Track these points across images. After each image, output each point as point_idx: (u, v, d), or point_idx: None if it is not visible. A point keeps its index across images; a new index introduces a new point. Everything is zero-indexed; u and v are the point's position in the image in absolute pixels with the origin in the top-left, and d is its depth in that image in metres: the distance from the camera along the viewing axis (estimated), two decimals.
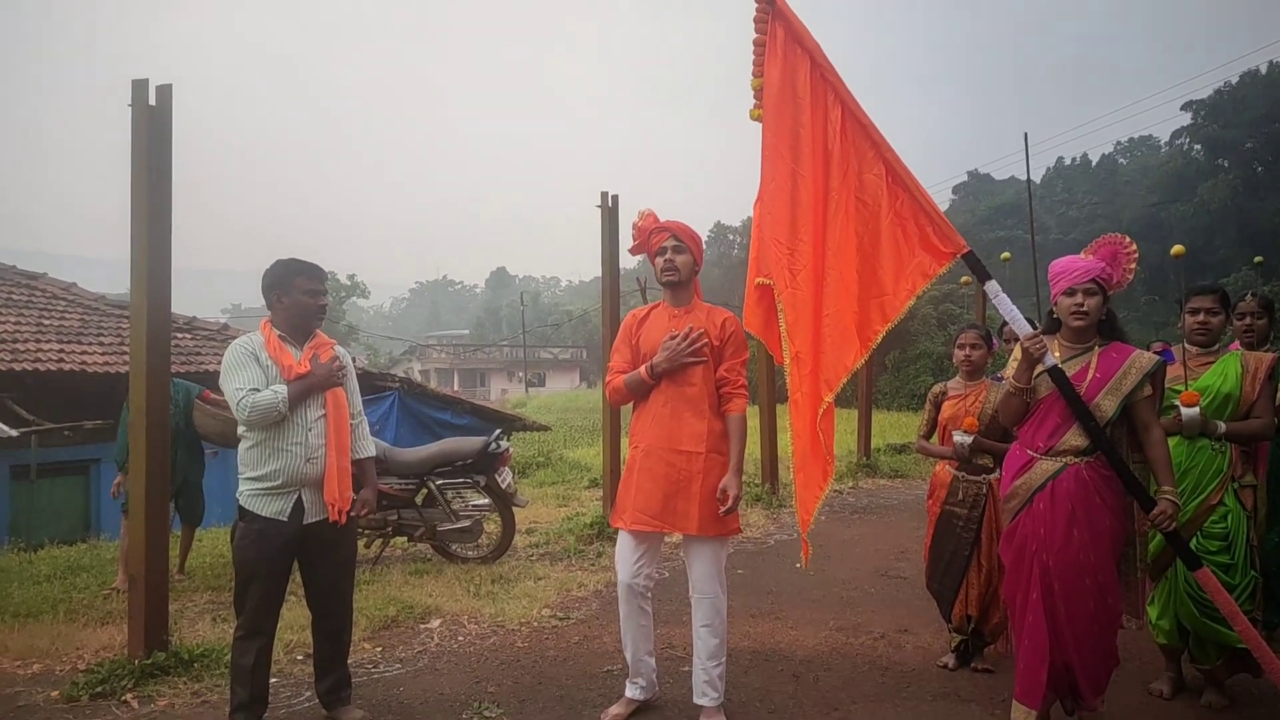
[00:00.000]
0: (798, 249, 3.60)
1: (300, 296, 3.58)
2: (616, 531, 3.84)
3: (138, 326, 4.38)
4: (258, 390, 3.42)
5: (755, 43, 3.75)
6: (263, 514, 3.46)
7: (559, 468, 15.62)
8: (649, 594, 3.83)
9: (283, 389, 3.44)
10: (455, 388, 53.47)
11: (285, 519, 3.46)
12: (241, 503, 3.50)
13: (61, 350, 11.45)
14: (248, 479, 3.49)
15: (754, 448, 10.57)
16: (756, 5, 3.71)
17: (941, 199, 66.56)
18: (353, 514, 3.59)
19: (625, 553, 3.78)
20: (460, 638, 5.02)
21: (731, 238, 62.17)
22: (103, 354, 11.83)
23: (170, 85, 4.33)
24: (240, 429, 3.52)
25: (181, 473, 6.25)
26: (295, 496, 3.49)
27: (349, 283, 59.03)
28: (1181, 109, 53.48)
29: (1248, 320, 4.48)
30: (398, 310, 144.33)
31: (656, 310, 3.88)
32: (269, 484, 3.46)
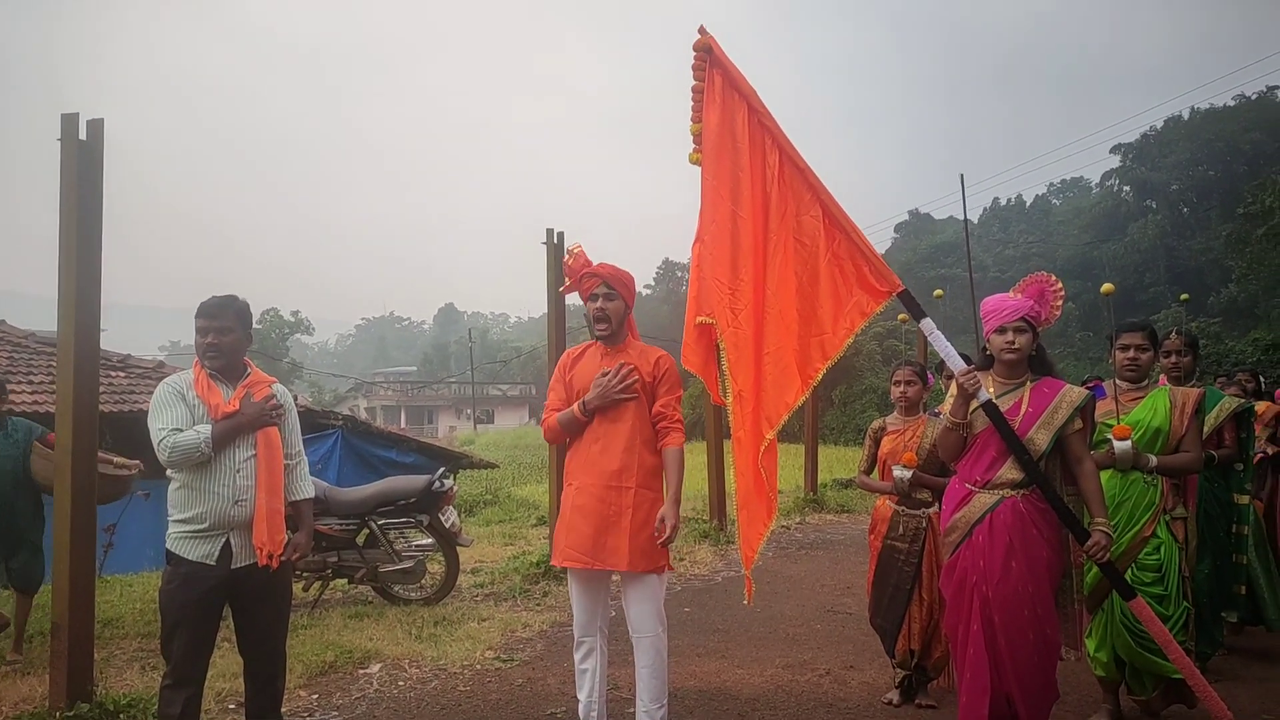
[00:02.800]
0: (739, 288, 3.65)
1: (195, 336, 3.50)
2: (563, 570, 3.81)
3: (65, 362, 4.25)
4: (180, 430, 3.33)
5: (694, 89, 3.82)
6: (189, 558, 3.34)
7: (506, 505, 15.44)
8: (604, 634, 3.81)
9: (206, 429, 3.34)
10: (403, 425, 52.75)
11: (213, 563, 3.35)
12: (168, 545, 3.39)
13: None
14: (175, 521, 3.38)
15: (701, 484, 10.58)
16: (694, 54, 3.78)
17: (884, 237, 67.94)
18: (285, 558, 3.47)
19: (577, 593, 3.77)
20: (400, 683, 4.90)
21: (680, 274, 62.72)
22: (31, 392, 11.43)
23: (102, 120, 4.25)
24: (168, 470, 3.42)
25: (20, 528, 5.35)
26: (223, 540, 3.37)
27: (293, 319, 58.11)
28: (1110, 151, 55.50)
29: (1173, 358, 4.61)
30: (344, 347, 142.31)
31: (590, 349, 3.90)
32: (195, 527, 3.35)
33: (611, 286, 3.76)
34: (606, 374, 3.69)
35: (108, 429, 5.73)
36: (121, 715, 4.15)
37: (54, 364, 11.71)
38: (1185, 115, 52.70)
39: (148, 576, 7.65)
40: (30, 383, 11.75)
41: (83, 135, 4.24)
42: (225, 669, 4.63)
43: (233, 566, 3.38)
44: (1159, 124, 53.49)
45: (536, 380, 64.95)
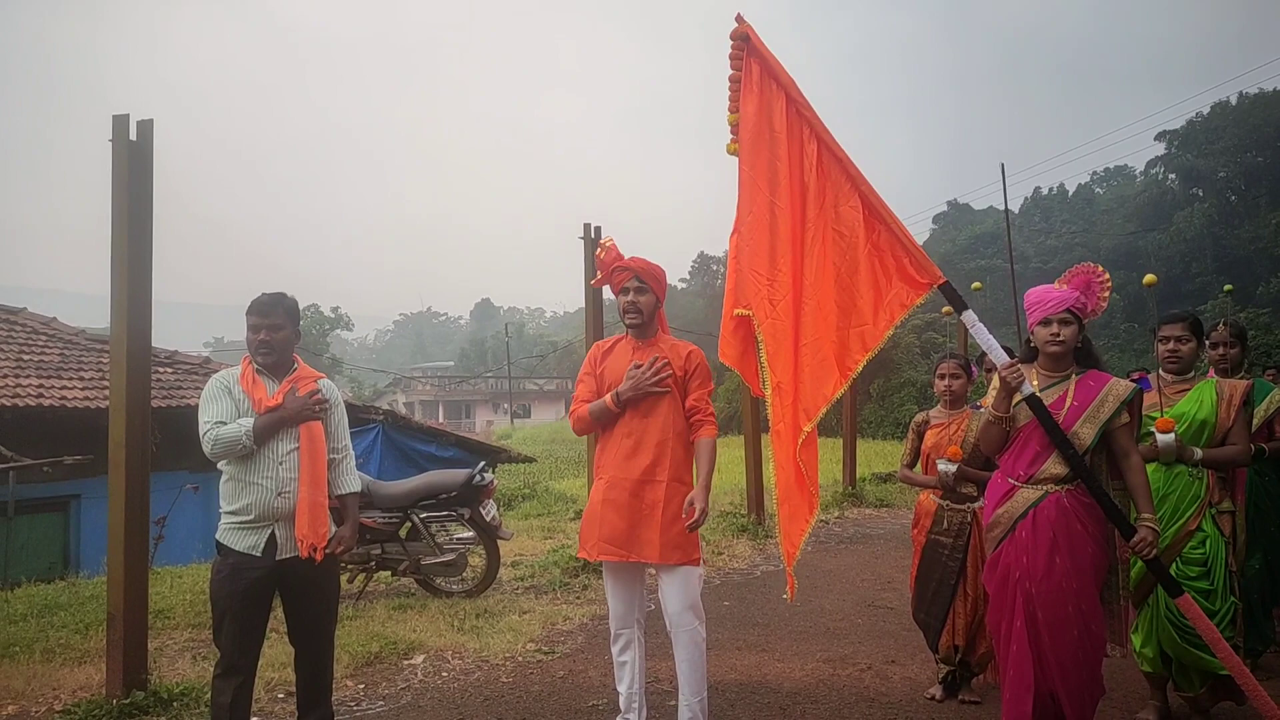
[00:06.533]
0: (777, 279, 3.64)
1: (247, 333, 3.59)
2: (601, 564, 3.84)
3: (118, 359, 4.36)
4: (224, 423, 3.42)
5: (731, 79, 3.82)
6: (236, 549, 3.43)
7: (544, 499, 15.53)
8: (642, 626, 3.83)
9: (248, 422, 3.42)
10: (440, 420, 53.24)
11: (259, 554, 3.42)
12: (218, 536, 3.48)
13: (41, 385, 11.35)
14: (225, 513, 3.47)
15: (739, 478, 10.56)
16: (732, 43, 3.78)
17: (922, 228, 67.10)
18: (329, 551, 3.53)
19: (613, 588, 3.80)
20: (444, 674, 4.97)
21: (715, 268, 62.52)
22: (83, 389, 11.73)
23: (151, 120, 4.35)
24: (218, 464, 3.50)
25: None
26: (269, 532, 3.44)
27: (333, 315, 58.94)
28: (1155, 139, 54.33)
29: (1220, 349, 4.53)
30: (382, 342, 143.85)
31: (621, 343, 3.92)
32: (242, 518, 3.44)
33: (642, 280, 3.79)
34: (639, 366, 3.71)
35: (157, 423, 5.86)
36: (175, 703, 4.26)
37: (105, 361, 11.99)
38: (1233, 100, 51.43)
39: (197, 568, 7.82)
40: (81, 379, 12.05)
41: (133, 136, 4.34)
42: (275, 659, 4.72)
43: (278, 558, 3.45)
44: (1205, 110, 52.30)
45: (573, 374, 64.85)
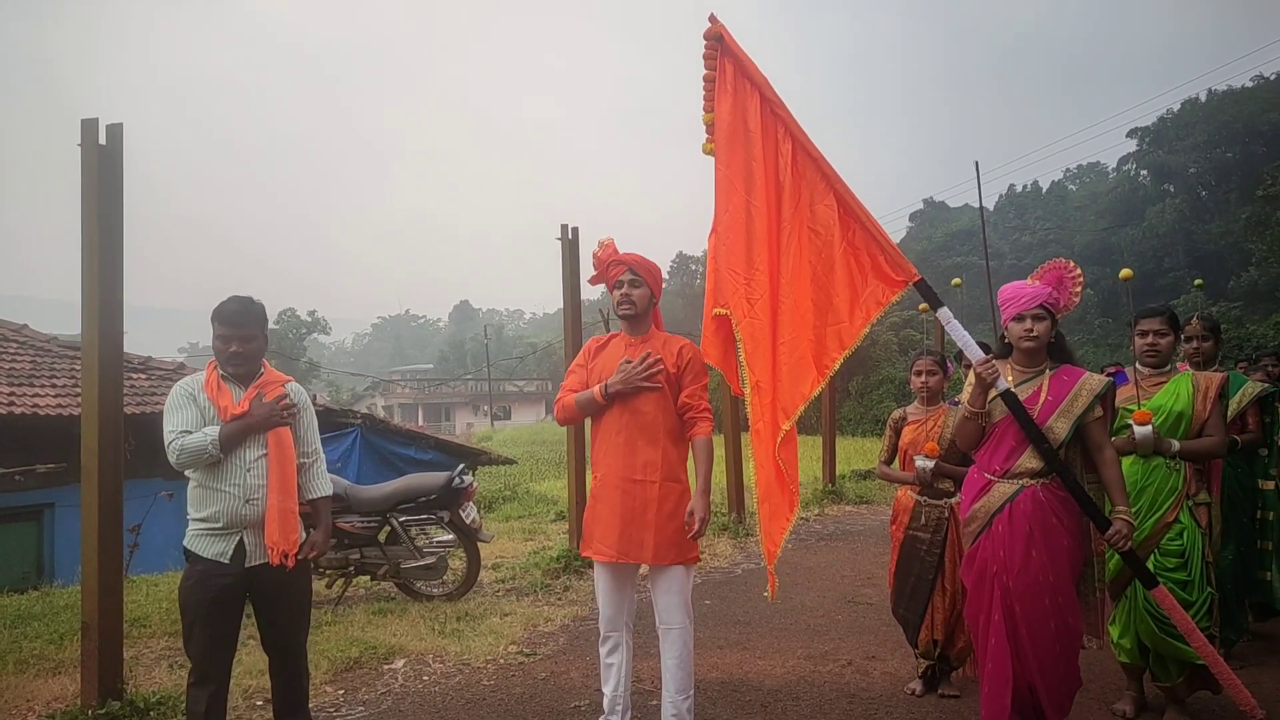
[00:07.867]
0: (754, 279, 3.65)
1: (214, 342, 3.53)
2: (584, 564, 3.83)
3: (89, 365, 4.30)
4: (189, 432, 3.37)
5: (705, 79, 3.82)
6: (205, 555, 3.39)
7: (525, 501, 15.48)
8: (630, 629, 3.81)
9: (214, 430, 3.37)
10: (420, 423, 52.97)
11: (227, 561, 3.38)
12: (185, 544, 3.44)
13: (12, 393, 11.18)
14: (192, 520, 3.43)
15: (719, 477, 10.57)
16: (705, 43, 3.78)
17: (898, 226, 67.40)
18: (301, 557, 3.49)
19: (604, 587, 3.77)
20: (425, 678, 4.94)
21: (694, 268, 62.64)
22: (55, 396, 11.57)
23: (120, 124, 4.29)
24: (186, 470, 3.46)
25: None
26: (237, 538, 3.40)
27: (309, 319, 58.52)
28: (1127, 136, 54.83)
29: (1195, 343, 4.59)
30: (360, 345, 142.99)
31: (615, 339, 3.90)
32: (210, 525, 3.39)
33: (637, 273, 3.77)
34: (630, 361, 3.70)
35: (131, 430, 5.79)
36: (151, 713, 4.21)
37: (77, 368, 11.84)
38: (1202, 97, 52.01)
39: (173, 576, 7.73)
40: (54, 386, 11.89)
41: (102, 140, 4.28)
42: (252, 666, 4.68)
43: (247, 565, 3.41)
44: (1175, 107, 52.88)
45: (553, 376, 65.06)
